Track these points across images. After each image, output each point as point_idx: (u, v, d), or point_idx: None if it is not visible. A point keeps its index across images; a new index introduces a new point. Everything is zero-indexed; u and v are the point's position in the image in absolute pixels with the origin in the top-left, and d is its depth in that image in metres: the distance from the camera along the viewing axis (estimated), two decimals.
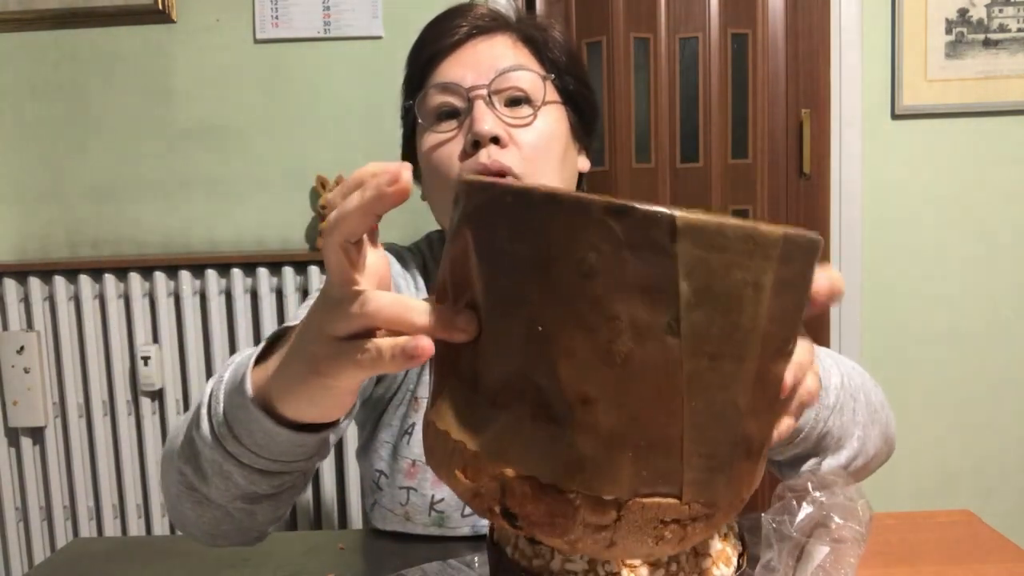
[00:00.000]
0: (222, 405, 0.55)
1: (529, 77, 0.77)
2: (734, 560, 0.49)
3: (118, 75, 1.93)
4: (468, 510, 0.82)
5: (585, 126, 0.85)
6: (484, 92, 0.75)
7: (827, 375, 0.64)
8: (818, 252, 0.37)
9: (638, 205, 0.32)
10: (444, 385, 0.40)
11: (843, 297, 0.42)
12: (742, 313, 0.33)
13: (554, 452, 0.35)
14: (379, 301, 0.39)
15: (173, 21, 1.91)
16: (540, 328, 0.34)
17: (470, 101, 0.76)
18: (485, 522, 0.83)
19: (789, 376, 0.38)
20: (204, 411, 0.56)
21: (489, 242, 0.36)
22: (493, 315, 0.36)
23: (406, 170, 0.38)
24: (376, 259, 0.42)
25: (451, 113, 0.77)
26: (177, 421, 0.62)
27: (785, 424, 0.40)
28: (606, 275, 0.32)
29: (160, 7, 1.88)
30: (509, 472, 0.36)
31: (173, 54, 1.92)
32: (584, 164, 0.87)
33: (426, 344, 0.37)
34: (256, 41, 1.91)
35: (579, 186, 0.88)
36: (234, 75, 1.92)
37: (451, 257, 0.39)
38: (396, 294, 0.40)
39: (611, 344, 0.33)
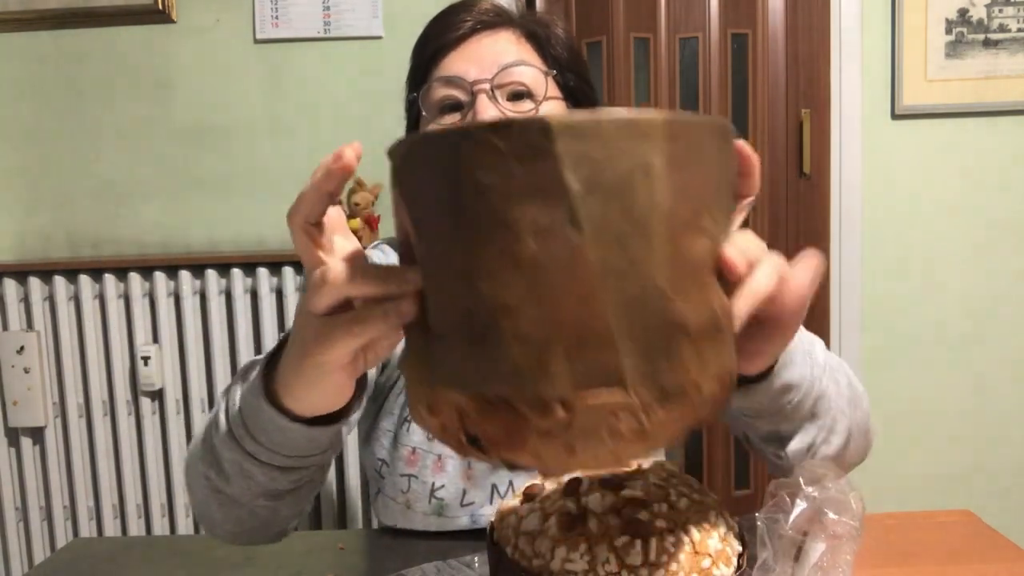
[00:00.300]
0: (238, 407, 0.57)
1: (531, 72, 0.78)
2: (734, 560, 0.49)
3: (118, 75, 1.93)
4: (467, 499, 0.83)
5: None
6: (487, 86, 0.76)
7: (811, 342, 0.63)
8: (722, 132, 0.38)
9: (514, 118, 0.34)
10: (408, 337, 0.42)
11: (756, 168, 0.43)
12: (636, 195, 0.34)
13: (491, 366, 0.36)
14: (337, 270, 0.42)
15: (173, 21, 1.91)
16: (458, 255, 0.36)
17: (473, 95, 0.77)
18: (483, 512, 0.84)
19: (737, 257, 0.38)
20: (222, 415, 0.59)
21: (410, 193, 0.39)
22: (428, 259, 0.39)
23: (348, 148, 0.42)
24: (347, 245, 0.45)
25: (454, 106, 0.78)
26: (197, 428, 0.63)
27: (743, 305, 0.39)
28: (499, 187, 0.34)
29: (160, 7, 1.88)
30: (460, 397, 0.38)
31: (173, 54, 1.92)
32: None
33: (406, 302, 0.40)
34: (256, 41, 1.91)
35: None
36: (234, 75, 1.92)
37: (397, 224, 0.42)
38: (355, 263, 0.43)
39: (516, 249, 0.34)
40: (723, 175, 0.39)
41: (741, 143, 0.42)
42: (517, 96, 0.78)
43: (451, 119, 0.78)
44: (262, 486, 0.59)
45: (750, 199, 0.44)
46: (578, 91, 0.84)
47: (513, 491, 0.84)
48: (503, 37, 0.80)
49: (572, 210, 0.34)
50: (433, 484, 0.83)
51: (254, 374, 0.56)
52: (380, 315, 0.41)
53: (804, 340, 0.61)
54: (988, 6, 1.94)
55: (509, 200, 0.34)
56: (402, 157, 0.39)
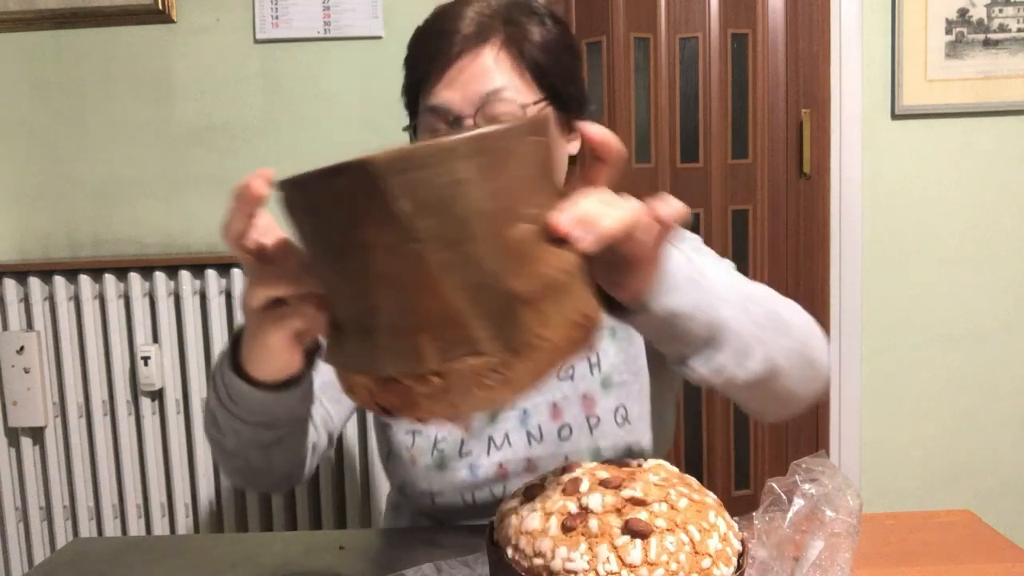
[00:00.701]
0: (224, 378, 0.68)
1: (510, 97, 0.81)
2: (734, 560, 0.49)
3: (118, 75, 1.93)
4: (465, 449, 0.89)
5: (573, 113, 0.88)
6: (471, 121, 0.81)
7: (701, 273, 0.65)
8: (534, 128, 0.45)
9: (347, 162, 0.41)
10: (327, 331, 0.51)
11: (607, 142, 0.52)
12: (457, 206, 0.42)
13: (377, 353, 0.46)
14: (253, 274, 0.54)
15: (173, 21, 1.91)
16: (332, 272, 0.47)
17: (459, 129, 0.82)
18: (481, 463, 0.88)
19: (562, 220, 0.46)
20: (211, 385, 0.72)
21: (292, 223, 0.49)
22: (321, 275, 0.49)
23: (257, 179, 0.53)
24: (275, 246, 0.55)
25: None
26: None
27: (591, 246, 0.48)
28: (348, 218, 0.43)
29: (160, 7, 1.88)
30: (362, 378, 0.47)
31: (173, 54, 1.92)
32: (573, 147, 0.90)
33: (312, 304, 0.51)
34: (256, 41, 1.91)
35: (570, 168, 0.90)
36: (234, 75, 1.92)
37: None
38: (277, 269, 0.53)
39: (372, 264, 0.44)
40: (544, 163, 0.47)
41: (583, 126, 0.51)
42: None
43: None
44: (249, 440, 0.73)
45: (614, 164, 0.52)
46: (563, 91, 0.85)
47: (509, 443, 0.88)
48: (485, 56, 0.82)
49: (407, 229, 0.42)
50: (436, 438, 0.89)
51: (226, 350, 0.68)
52: (300, 313, 0.53)
53: (697, 271, 0.63)
54: (988, 6, 1.94)
55: (358, 227, 0.43)
56: (282, 197, 0.48)
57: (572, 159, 0.91)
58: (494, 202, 0.43)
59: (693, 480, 0.55)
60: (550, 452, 0.88)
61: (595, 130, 0.52)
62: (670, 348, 0.65)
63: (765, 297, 0.71)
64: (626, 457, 0.88)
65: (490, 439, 0.89)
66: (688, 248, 0.73)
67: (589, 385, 0.89)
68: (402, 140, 0.94)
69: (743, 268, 0.79)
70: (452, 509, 0.89)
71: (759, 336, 0.66)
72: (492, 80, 0.81)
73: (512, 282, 0.44)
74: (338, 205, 0.43)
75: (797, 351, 0.71)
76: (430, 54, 0.83)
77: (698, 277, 0.63)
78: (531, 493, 0.54)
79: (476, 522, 0.89)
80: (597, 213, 0.48)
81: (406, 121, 0.91)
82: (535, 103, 0.82)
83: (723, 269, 0.81)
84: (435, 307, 0.43)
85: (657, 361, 0.90)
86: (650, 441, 0.90)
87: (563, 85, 0.85)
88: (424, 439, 0.89)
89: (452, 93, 0.81)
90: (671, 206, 0.52)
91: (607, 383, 0.89)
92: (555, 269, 0.46)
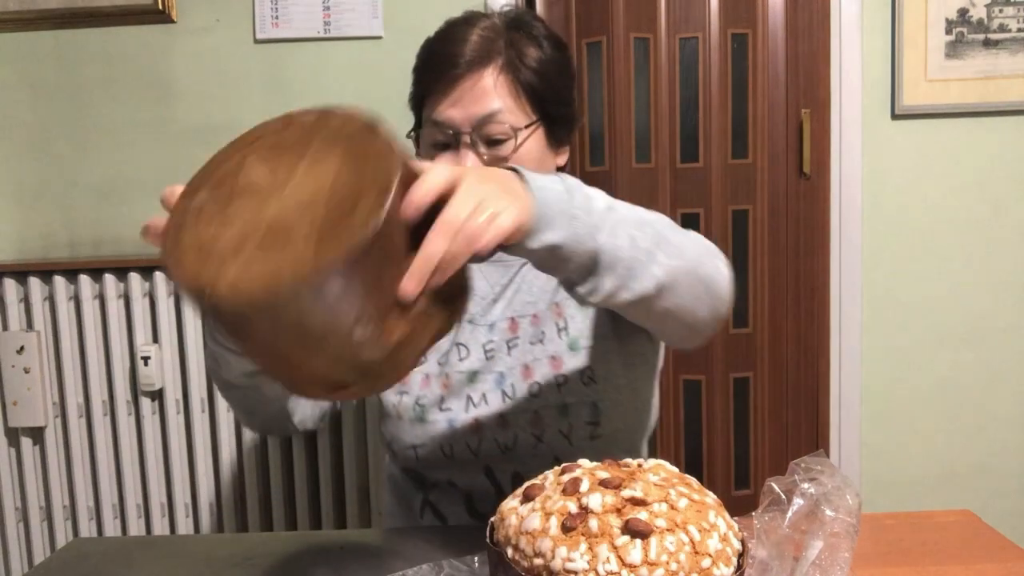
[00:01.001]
0: None
1: (506, 121, 0.91)
2: (734, 560, 0.49)
3: (118, 75, 1.93)
4: (445, 405, 0.97)
5: (563, 130, 0.99)
6: (467, 139, 0.91)
7: (588, 209, 0.67)
8: (359, 248, 0.49)
9: (206, 300, 0.51)
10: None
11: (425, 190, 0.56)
12: (304, 326, 0.51)
13: (289, 389, 0.63)
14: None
15: (173, 21, 1.91)
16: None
17: (458, 143, 0.92)
18: (459, 418, 0.96)
19: (412, 288, 0.53)
20: (203, 323, 0.83)
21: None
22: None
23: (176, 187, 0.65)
24: None
25: (445, 145, 0.93)
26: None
27: (441, 278, 0.55)
28: (227, 330, 0.58)
29: (160, 7, 1.88)
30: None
31: (173, 54, 1.92)
32: (562, 159, 1.01)
33: None
34: (256, 41, 1.91)
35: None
36: (234, 75, 1.92)
37: None
38: None
39: (256, 355, 0.61)
40: (393, 251, 0.52)
41: (409, 207, 0.54)
42: (496, 142, 0.91)
43: (442, 156, 0.93)
44: (237, 368, 0.82)
45: (455, 185, 0.57)
46: (554, 111, 0.95)
47: (486, 402, 0.95)
48: (486, 79, 0.91)
49: (268, 341, 0.54)
50: (417, 395, 0.98)
51: None
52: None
53: (577, 205, 0.66)
54: (988, 6, 1.94)
55: (235, 334, 0.58)
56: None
57: (560, 169, 1.01)
58: (339, 316, 0.51)
59: (693, 480, 0.55)
60: (521, 408, 0.94)
61: (419, 196, 0.54)
62: (557, 276, 0.70)
63: (653, 222, 0.74)
64: (593, 414, 0.93)
65: (468, 397, 0.96)
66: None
67: (557, 348, 0.96)
68: (406, 145, 0.96)
69: (743, 268, 0.80)
70: (433, 462, 0.97)
71: (642, 259, 0.69)
72: (490, 103, 0.91)
73: (367, 356, 0.54)
74: (213, 320, 0.57)
75: (686, 270, 0.74)
76: (436, 72, 0.93)
77: (575, 210, 0.66)
78: (531, 493, 0.54)
79: (455, 476, 0.97)
80: (448, 257, 0.54)
81: (406, 121, 0.97)
82: (527, 125, 0.92)
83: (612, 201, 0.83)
84: (308, 376, 0.57)
85: (619, 328, 0.96)
86: (619, 403, 0.95)
87: (555, 107, 0.96)
88: (409, 398, 0.98)
89: (454, 111, 0.91)
90: (503, 222, 0.57)
91: (574, 346, 0.96)
92: (408, 324, 0.55)
